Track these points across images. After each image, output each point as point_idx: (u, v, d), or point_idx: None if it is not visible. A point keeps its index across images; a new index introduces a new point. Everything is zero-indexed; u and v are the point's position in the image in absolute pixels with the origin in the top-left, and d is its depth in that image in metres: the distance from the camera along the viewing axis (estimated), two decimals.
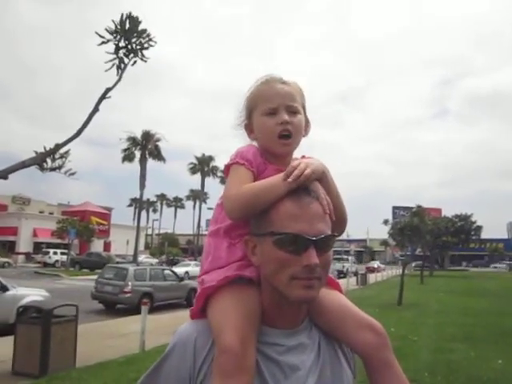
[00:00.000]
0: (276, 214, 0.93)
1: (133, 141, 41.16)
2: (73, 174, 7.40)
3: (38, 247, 48.87)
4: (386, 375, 1.01)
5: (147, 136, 41.25)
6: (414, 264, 51.93)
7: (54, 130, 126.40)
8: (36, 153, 6.84)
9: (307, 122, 1.17)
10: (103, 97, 7.36)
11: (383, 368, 1.01)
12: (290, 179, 0.93)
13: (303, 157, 1.09)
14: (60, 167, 7.15)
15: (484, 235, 58.42)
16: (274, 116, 1.09)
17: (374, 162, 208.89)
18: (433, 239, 45.09)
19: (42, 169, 6.97)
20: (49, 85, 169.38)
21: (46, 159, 6.92)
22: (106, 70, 7.51)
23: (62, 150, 7.10)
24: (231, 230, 1.06)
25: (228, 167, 1.07)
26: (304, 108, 1.16)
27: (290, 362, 0.97)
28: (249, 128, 1.17)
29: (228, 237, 1.06)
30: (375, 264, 56.44)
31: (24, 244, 49.23)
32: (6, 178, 6.59)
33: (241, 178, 1.02)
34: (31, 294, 10.74)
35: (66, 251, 39.93)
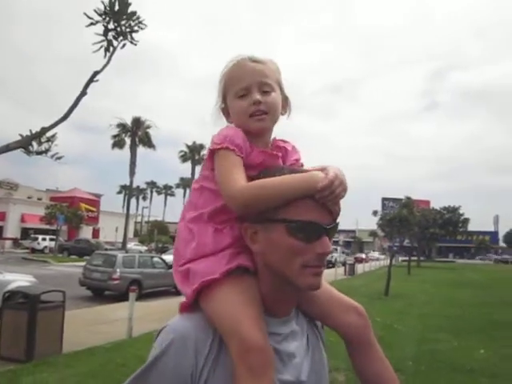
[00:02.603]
0: (294, 202, 0.91)
1: (123, 127, 40.78)
2: (60, 158, 7.30)
3: (25, 233, 48.46)
4: (369, 353, 1.10)
5: (137, 123, 40.87)
6: (400, 259, 52.51)
7: (46, 115, 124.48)
8: (21, 136, 6.73)
9: (286, 98, 1.13)
10: (91, 80, 7.24)
11: (367, 347, 1.10)
12: (322, 194, 0.91)
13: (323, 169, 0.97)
14: (46, 151, 7.05)
15: (471, 228, 59.38)
16: (246, 97, 1.05)
17: (365, 154, 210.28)
18: (421, 230, 45.62)
19: (27, 152, 6.86)
20: (43, 69, 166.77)
21: (32, 143, 6.81)
22: (94, 52, 7.38)
23: (49, 134, 6.99)
24: (216, 215, 1.00)
25: (213, 151, 1.00)
26: (280, 85, 1.11)
27: (287, 350, 0.98)
28: (225, 111, 1.13)
29: (212, 222, 1.00)
30: (363, 254, 57.04)
31: (12, 229, 48.80)
32: None
33: (236, 166, 0.97)
34: (18, 279, 10.64)
35: (54, 237, 39.67)
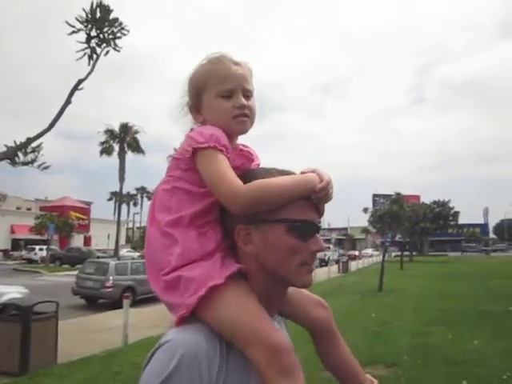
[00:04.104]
0: (290, 202, 0.93)
1: (111, 133, 40.40)
2: (46, 167, 7.25)
3: (16, 244, 47.95)
4: (336, 342, 1.17)
5: (125, 128, 40.54)
6: (393, 254, 52.81)
7: (31, 123, 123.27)
8: (7, 147, 6.67)
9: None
10: (75, 88, 7.20)
11: (333, 337, 1.17)
12: (318, 195, 0.96)
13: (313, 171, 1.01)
14: (33, 161, 7.00)
15: (462, 220, 59.82)
16: (230, 98, 1.04)
17: (355, 152, 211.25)
18: (412, 225, 45.90)
19: (13, 163, 6.80)
20: (28, 77, 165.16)
21: (18, 153, 6.75)
22: (77, 60, 7.35)
23: (35, 144, 6.94)
24: (197, 217, 0.96)
25: (195, 150, 0.96)
26: (253, 91, 1.12)
27: None
28: (195, 109, 1.09)
29: (193, 225, 0.96)
30: (356, 251, 57.29)
31: (1, 241, 48.20)
32: None
33: (229, 166, 0.95)
34: (10, 291, 10.52)
35: (51, 247, 39.35)
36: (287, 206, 0.93)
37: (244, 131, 1.06)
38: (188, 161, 0.98)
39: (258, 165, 1.12)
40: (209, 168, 0.95)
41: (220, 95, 1.04)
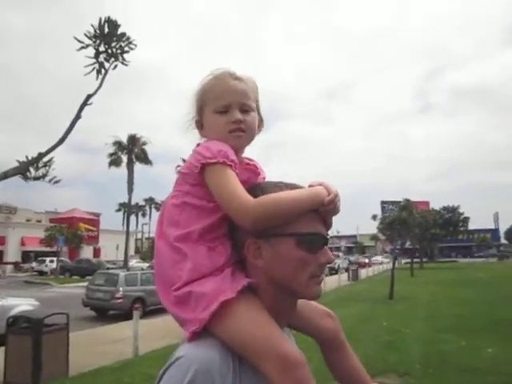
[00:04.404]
0: (299, 217, 0.94)
1: (119, 145, 40.75)
2: (57, 181, 7.33)
3: (26, 256, 48.31)
4: (344, 351, 1.19)
5: (133, 140, 40.89)
6: (403, 261, 52.38)
7: (38, 138, 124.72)
8: (19, 162, 6.77)
9: (261, 119, 1.14)
10: (85, 103, 7.30)
11: (342, 347, 1.19)
12: (326, 207, 0.97)
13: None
14: (44, 176, 7.08)
15: (472, 226, 59.27)
16: (226, 114, 1.06)
17: (362, 158, 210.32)
18: (421, 232, 45.51)
19: (25, 178, 6.89)
20: (34, 91, 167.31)
21: (29, 168, 6.85)
22: (85, 74, 7.46)
23: (46, 159, 7.03)
24: (206, 232, 0.97)
25: (204, 165, 0.97)
26: (258, 104, 1.13)
27: None
28: (199, 124, 1.12)
29: (202, 240, 0.96)
30: (366, 259, 56.87)
31: (12, 253, 48.59)
32: None
33: (238, 181, 0.96)
34: (21, 303, 10.61)
35: (61, 259, 39.62)
36: (296, 219, 0.94)
37: (240, 145, 1.07)
38: (196, 176, 0.98)
39: (264, 178, 1.13)
40: (218, 183, 0.95)
41: (216, 111, 1.06)
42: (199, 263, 0.94)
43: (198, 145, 1.06)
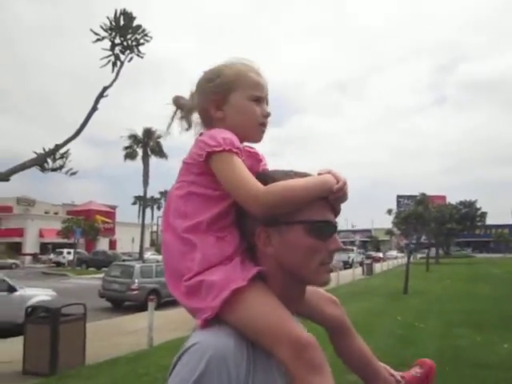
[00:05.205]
0: (308, 204, 0.95)
1: (134, 138, 41.01)
2: (74, 173, 7.43)
3: (44, 247, 49.20)
4: (351, 336, 1.20)
5: (148, 133, 41.05)
6: (419, 256, 51.94)
7: (53, 130, 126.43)
8: (36, 154, 6.87)
9: None
10: (101, 95, 7.36)
11: (349, 333, 1.20)
12: (336, 195, 0.97)
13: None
14: (61, 167, 7.18)
15: (489, 221, 58.38)
16: (259, 105, 1.07)
17: (376, 151, 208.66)
18: (438, 226, 45.05)
19: (43, 169, 7.00)
20: (48, 84, 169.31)
21: (47, 160, 6.95)
22: (101, 67, 7.51)
23: (62, 150, 7.13)
24: (214, 222, 0.97)
25: (210, 154, 0.96)
26: None
27: None
28: (215, 104, 1.08)
29: (211, 230, 0.96)
30: (380, 253, 56.55)
31: (30, 245, 49.50)
32: (7, 180, 6.63)
33: (246, 169, 0.96)
34: (39, 294, 10.83)
35: (78, 251, 40.30)
36: (306, 207, 0.95)
37: (259, 140, 1.10)
38: (201, 165, 0.98)
39: (265, 165, 1.13)
40: (226, 171, 0.95)
41: (252, 99, 1.07)
42: (208, 253, 0.94)
43: (201, 134, 1.05)
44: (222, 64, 1.11)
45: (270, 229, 0.95)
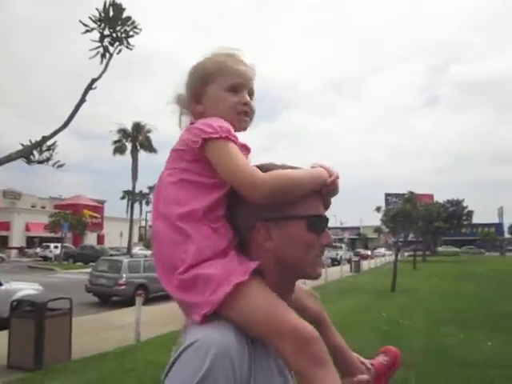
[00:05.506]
0: (305, 198, 0.96)
1: (123, 132, 40.71)
2: (61, 165, 7.36)
3: (30, 241, 48.67)
4: (330, 330, 1.20)
5: (138, 127, 40.82)
6: (406, 254, 52.43)
7: (43, 123, 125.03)
8: (22, 145, 6.78)
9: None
10: (89, 87, 7.28)
11: (328, 324, 1.20)
12: (329, 188, 1.00)
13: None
14: (48, 159, 7.11)
15: (476, 220, 59.11)
16: (236, 94, 1.05)
17: (367, 150, 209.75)
18: (425, 225, 45.49)
19: (29, 161, 6.91)
20: (39, 77, 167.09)
21: (33, 152, 6.87)
22: (90, 58, 7.43)
23: (49, 143, 7.04)
24: (209, 211, 0.94)
25: (206, 140, 0.94)
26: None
27: None
28: (195, 98, 1.08)
29: (206, 220, 0.94)
30: (368, 251, 56.97)
31: (17, 238, 48.98)
32: None
33: (243, 156, 0.96)
34: (25, 288, 10.71)
35: (65, 245, 39.94)
36: (302, 201, 0.96)
37: (243, 129, 1.07)
38: (196, 151, 0.96)
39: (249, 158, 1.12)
40: (224, 157, 0.94)
41: (228, 89, 1.05)
42: (204, 245, 0.92)
43: (193, 123, 1.04)
44: (206, 56, 1.10)
45: (271, 223, 0.95)
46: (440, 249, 66.53)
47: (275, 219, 0.95)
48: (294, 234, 0.95)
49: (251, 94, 1.09)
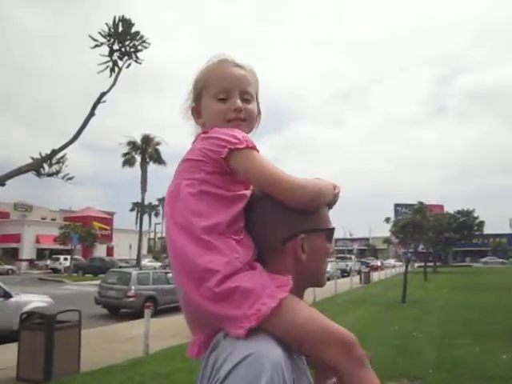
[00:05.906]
0: (324, 211, 1.03)
1: (133, 145, 41.11)
2: (70, 178, 7.40)
3: (41, 254, 49.01)
4: None
5: (147, 140, 41.20)
6: (416, 265, 51.89)
7: (53, 136, 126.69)
8: (32, 159, 6.85)
9: (259, 112, 1.11)
10: (98, 101, 7.36)
11: None
12: (335, 199, 1.06)
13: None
14: (57, 172, 7.16)
15: (487, 231, 58.31)
16: (227, 101, 1.03)
17: (375, 161, 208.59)
18: (435, 235, 44.99)
19: (39, 175, 6.97)
20: (48, 91, 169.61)
21: (43, 165, 6.93)
22: (99, 72, 7.52)
23: (59, 156, 7.11)
24: (232, 224, 0.94)
25: (231, 151, 0.93)
26: (258, 96, 1.10)
27: None
28: (196, 111, 1.09)
29: (229, 232, 0.93)
30: (378, 262, 56.42)
31: (27, 251, 49.28)
32: (3, 184, 6.59)
33: (273, 163, 0.98)
34: (34, 300, 10.74)
35: (75, 257, 40.18)
36: (321, 213, 1.02)
37: (245, 133, 1.04)
38: (217, 162, 0.95)
39: None
40: (257, 166, 0.95)
41: (216, 97, 1.04)
42: (234, 257, 0.91)
43: (205, 133, 1.02)
44: (201, 68, 1.10)
45: (306, 235, 0.98)
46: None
47: (314, 231, 1.00)
48: (320, 245, 1.00)
49: (246, 98, 1.05)
